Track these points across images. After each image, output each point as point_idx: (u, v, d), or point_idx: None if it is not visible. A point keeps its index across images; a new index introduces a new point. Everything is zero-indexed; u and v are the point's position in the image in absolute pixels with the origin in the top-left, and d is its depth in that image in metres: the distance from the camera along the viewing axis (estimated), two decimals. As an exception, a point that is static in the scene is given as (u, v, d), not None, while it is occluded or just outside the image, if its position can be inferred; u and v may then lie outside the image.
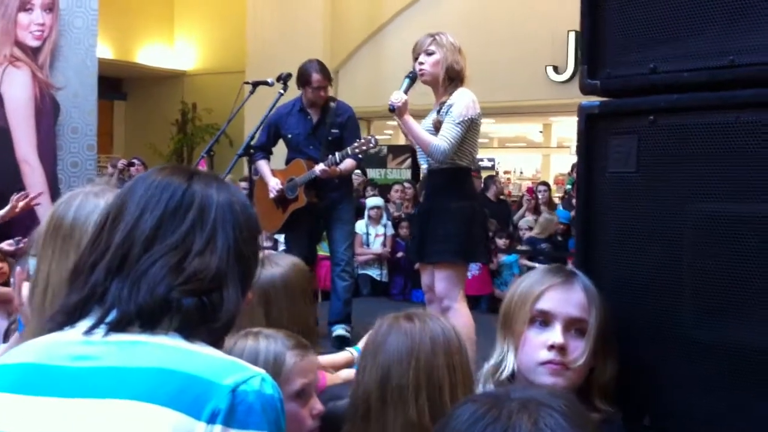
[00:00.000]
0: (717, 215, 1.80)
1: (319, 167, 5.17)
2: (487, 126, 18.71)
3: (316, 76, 5.46)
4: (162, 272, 1.19)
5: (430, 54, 4.18)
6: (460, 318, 4.03)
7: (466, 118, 4.06)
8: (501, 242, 8.44)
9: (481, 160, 18.68)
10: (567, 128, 16.09)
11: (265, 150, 5.73)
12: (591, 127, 2.03)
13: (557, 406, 0.94)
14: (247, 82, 5.18)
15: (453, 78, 4.19)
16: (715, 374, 1.78)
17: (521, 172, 19.24)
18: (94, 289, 1.21)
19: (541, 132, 18.64)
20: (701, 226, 1.83)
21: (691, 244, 1.84)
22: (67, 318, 1.22)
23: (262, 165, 5.69)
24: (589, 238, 2.04)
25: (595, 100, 2.04)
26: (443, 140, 4.04)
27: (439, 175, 4.18)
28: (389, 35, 13.11)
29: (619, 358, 1.87)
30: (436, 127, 4.14)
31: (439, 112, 4.19)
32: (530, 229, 8.76)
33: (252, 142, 5.11)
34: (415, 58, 4.26)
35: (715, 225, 1.80)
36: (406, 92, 4.22)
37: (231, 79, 8.95)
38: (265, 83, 5.05)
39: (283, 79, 5.01)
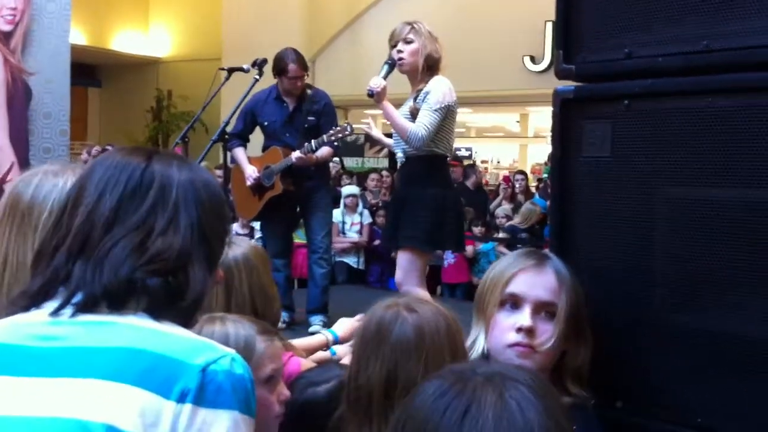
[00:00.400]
0: (690, 200, 1.80)
1: (295, 155, 5.15)
2: (464, 115, 18.72)
3: (292, 66, 5.43)
4: (124, 253, 1.18)
5: (408, 42, 4.18)
6: None
7: (443, 105, 4.07)
8: (477, 230, 8.46)
9: (459, 149, 18.71)
10: (544, 118, 16.15)
11: (241, 137, 5.69)
12: (566, 112, 2.02)
13: (523, 379, 0.93)
14: (223, 69, 5.13)
15: (431, 66, 4.20)
16: (689, 359, 1.79)
17: (498, 162, 19.31)
18: (56, 272, 1.19)
19: (518, 122, 18.70)
20: (675, 210, 1.83)
21: (664, 229, 1.85)
22: (30, 301, 1.21)
23: (239, 152, 5.66)
24: (564, 223, 2.04)
25: (570, 85, 2.04)
26: (421, 126, 4.05)
27: (416, 163, 4.19)
28: (367, 23, 13.07)
29: (594, 343, 1.88)
30: (413, 115, 4.14)
31: (416, 99, 4.20)
32: (507, 217, 8.79)
33: (227, 129, 5.07)
34: (393, 46, 4.26)
35: (688, 209, 1.80)
36: (385, 78, 4.22)
37: (207, 66, 8.88)
38: (241, 69, 5.01)
39: (258, 65, 4.96)
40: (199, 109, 5.09)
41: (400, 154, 4.29)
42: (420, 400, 0.94)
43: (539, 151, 16.82)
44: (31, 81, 6.36)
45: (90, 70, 16.05)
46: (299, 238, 7.23)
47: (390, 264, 8.03)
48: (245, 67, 5.01)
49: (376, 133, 4.76)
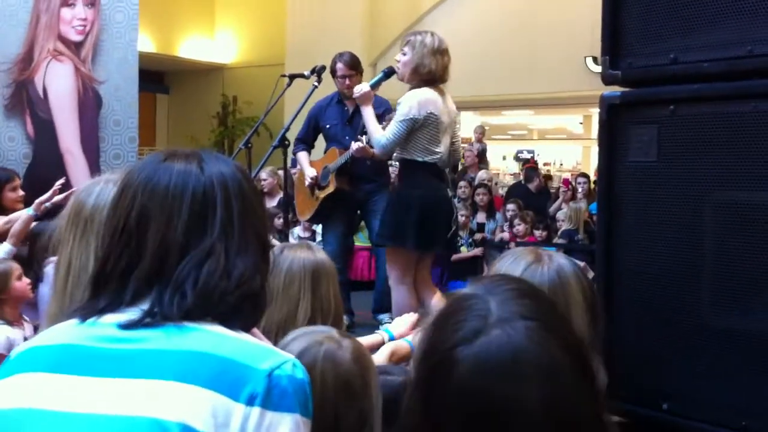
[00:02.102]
0: (736, 203, 1.82)
1: (355, 145, 5.16)
2: (525, 117, 18.60)
3: (339, 65, 5.55)
4: (212, 280, 1.20)
5: (404, 54, 4.42)
6: (397, 296, 4.44)
7: (407, 117, 4.26)
8: (539, 234, 8.42)
9: (521, 151, 18.61)
10: (608, 120, 15.93)
11: (305, 142, 5.80)
12: (612, 117, 2.05)
13: (531, 313, 0.96)
14: (285, 75, 5.22)
15: (423, 79, 4.34)
16: (733, 361, 1.80)
17: (561, 164, 19.11)
18: (134, 297, 1.21)
19: (581, 123, 18.49)
20: (721, 214, 1.85)
21: (710, 232, 1.86)
22: (95, 315, 1.23)
23: (301, 156, 5.77)
24: (611, 226, 2.07)
25: (617, 90, 2.07)
26: (383, 135, 4.36)
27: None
28: (427, 27, 13.08)
29: (638, 344, 1.90)
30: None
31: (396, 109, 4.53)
32: (566, 220, 8.71)
33: (288, 134, 5.16)
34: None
35: (735, 213, 1.82)
36: (375, 85, 4.56)
37: (271, 72, 9.03)
38: (302, 76, 5.09)
39: (317, 71, 5.04)
40: (263, 114, 5.19)
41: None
42: (465, 374, 0.95)
43: (603, 153, 16.57)
44: (101, 89, 6.55)
45: (158, 77, 16.42)
46: (359, 240, 7.31)
47: (450, 267, 8.07)
48: (306, 73, 5.09)
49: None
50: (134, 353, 1.17)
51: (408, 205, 4.40)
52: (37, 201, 4.04)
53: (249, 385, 1.13)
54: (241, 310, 1.23)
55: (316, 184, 5.63)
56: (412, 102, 4.30)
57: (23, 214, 3.99)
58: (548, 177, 12.64)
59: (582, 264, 6.37)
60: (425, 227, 4.44)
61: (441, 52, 4.41)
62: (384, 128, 4.58)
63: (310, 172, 5.63)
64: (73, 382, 1.16)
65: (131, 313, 1.20)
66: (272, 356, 1.17)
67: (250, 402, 1.12)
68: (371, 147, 4.69)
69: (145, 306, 1.20)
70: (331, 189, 5.53)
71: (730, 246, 1.83)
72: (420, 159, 4.41)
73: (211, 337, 1.18)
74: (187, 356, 1.15)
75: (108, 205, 1.33)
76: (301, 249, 2.17)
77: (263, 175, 7.63)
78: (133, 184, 1.27)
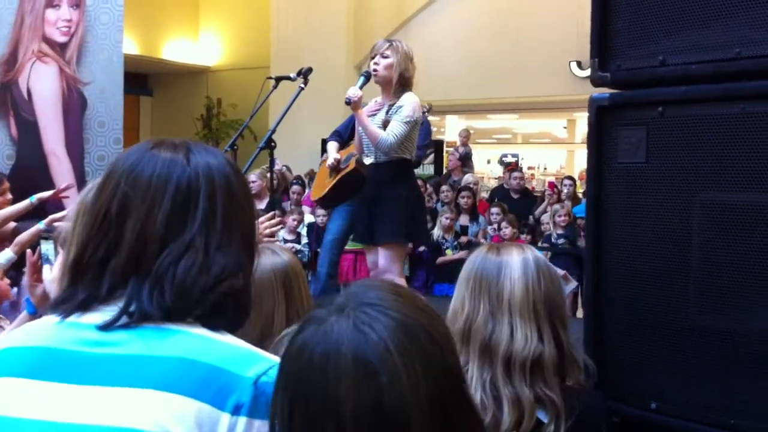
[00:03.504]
0: (725, 205, 1.83)
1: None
2: (510, 121, 18.67)
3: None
4: (189, 274, 1.16)
5: (385, 57, 4.57)
6: None
7: (412, 119, 4.54)
8: (525, 237, 8.45)
9: (505, 155, 18.67)
10: (591, 124, 15.99)
11: (340, 135, 5.80)
12: (601, 119, 2.06)
13: (371, 299, 0.96)
14: (270, 77, 5.21)
15: (403, 84, 4.61)
16: (722, 361, 1.82)
17: (545, 168, 19.19)
18: (107, 288, 1.17)
19: (565, 128, 18.58)
20: (710, 215, 1.86)
21: (699, 234, 1.88)
22: (73, 311, 1.18)
23: (330, 145, 5.74)
24: (600, 227, 2.08)
25: (605, 92, 2.08)
26: (391, 135, 4.53)
27: (387, 167, 4.66)
28: (413, 30, 13.13)
29: (627, 345, 1.91)
30: (384, 125, 4.60)
31: (387, 112, 4.63)
32: (550, 223, 8.73)
33: (273, 136, 5.14)
34: (372, 58, 4.70)
35: (723, 214, 1.83)
36: (361, 89, 4.64)
37: (255, 75, 9.01)
38: (288, 78, 5.08)
39: (303, 73, 5.03)
40: (248, 117, 5.18)
41: (371, 159, 4.75)
42: (291, 356, 0.97)
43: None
44: (86, 90, 6.53)
45: (142, 79, 16.35)
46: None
47: (435, 270, 8.08)
48: (292, 75, 5.08)
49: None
50: (114, 358, 1.13)
51: (416, 203, 4.76)
52: (49, 217, 3.99)
53: (235, 394, 1.10)
54: (223, 309, 1.18)
55: (338, 166, 5.58)
56: (413, 105, 4.59)
57: (33, 228, 3.93)
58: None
59: (562, 273, 6.41)
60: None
61: (413, 59, 4.72)
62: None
63: (335, 155, 5.61)
64: (50, 389, 1.12)
65: (108, 312, 1.16)
66: (258, 362, 1.14)
67: (236, 411, 1.09)
68: (376, 145, 4.69)
69: (121, 302, 1.16)
70: (350, 168, 5.49)
71: (718, 247, 1.84)
72: (410, 158, 4.72)
73: (193, 342, 1.14)
74: (169, 363, 1.11)
75: (88, 194, 1.27)
76: (265, 255, 2.06)
77: (252, 177, 7.61)
78: (118, 171, 1.22)
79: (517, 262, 1.74)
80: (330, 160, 5.61)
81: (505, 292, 1.71)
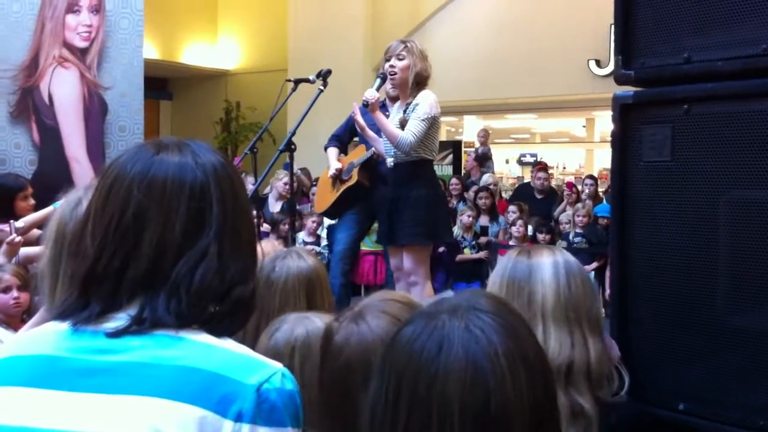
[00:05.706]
0: (752, 202, 1.81)
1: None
2: (529, 121, 18.60)
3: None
4: (203, 282, 1.15)
5: (401, 59, 4.60)
6: (426, 292, 4.56)
7: (429, 116, 4.52)
8: (542, 237, 8.41)
9: (524, 155, 18.62)
10: (611, 123, 15.90)
11: (339, 140, 5.78)
12: (625, 117, 2.05)
13: (483, 307, 1.00)
14: (289, 80, 5.22)
15: (419, 82, 4.62)
16: (751, 361, 1.80)
17: (564, 167, 19.11)
18: (128, 300, 1.16)
19: (584, 127, 18.49)
20: (736, 213, 1.84)
21: (726, 232, 1.86)
22: (89, 322, 1.17)
23: (331, 151, 5.73)
24: (625, 226, 2.06)
25: (629, 90, 2.07)
26: (410, 134, 4.51)
27: (406, 167, 4.64)
28: (430, 31, 13.11)
29: (655, 345, 1.89)
30: (402, 125, 4.58)
31: (405, 111, 4.63)
32: (569, 223, 8.69)
33: (293, 138, 5.15)
34: (387, 60, 4.69)
35: (750, 212, 1.81)
36: (377, 90, 4.68)
37: (274, 78, 9.03)
38: (307, 80, 5.09)
39: (323, 75, 5.03)
40: (267, 119, 5.19)
41: (390, 160, 4.72)
42: (398, 346, 1.01)
43: (606, 156, 16.58)
44: (107, 95, 6.56)
45: (161, 83, 16.43)
46: (365, 245, 7.30)
47: (455, 271, 8.06)
48: (311, 77, 5.09)
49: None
50: (117, 366, 1.12)
51: (436, 203, 4.75)
52: (24, 254, 4.00)
53: (238, 402, 1.10)
54: (232, 316, 1.19)
55: (339, 176, 5.58)
56: (430, 101, 4.55)
57: (47, 209, 3.89)
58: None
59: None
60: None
61: (427, 58, 4.74)
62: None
63: (336, 165, 5.61)
64: (51, 397, 1.12)
65: (119, 320, 1.15)
66: (260, 369, 1.15)
67: (238, 419, 1.09)
68: (396, 147, 4.67)
69: (133, 310, 1.15)
70: (352, 182, 5.50)
71: (747, 244, 1.82)
72: (430, 157, 4.70)
73: (197, 349, 1.14)
74: (172, 371, 1.11)
75: (93, 201, 1.22)
76: (291, 259, 2.13)
77: (285, 179, 7.60)
78: (125, 176, 1.19)
79: (548, 265, 1.73)
80: (331, 171, 5.61)
81: (538, 296, 1.70)
